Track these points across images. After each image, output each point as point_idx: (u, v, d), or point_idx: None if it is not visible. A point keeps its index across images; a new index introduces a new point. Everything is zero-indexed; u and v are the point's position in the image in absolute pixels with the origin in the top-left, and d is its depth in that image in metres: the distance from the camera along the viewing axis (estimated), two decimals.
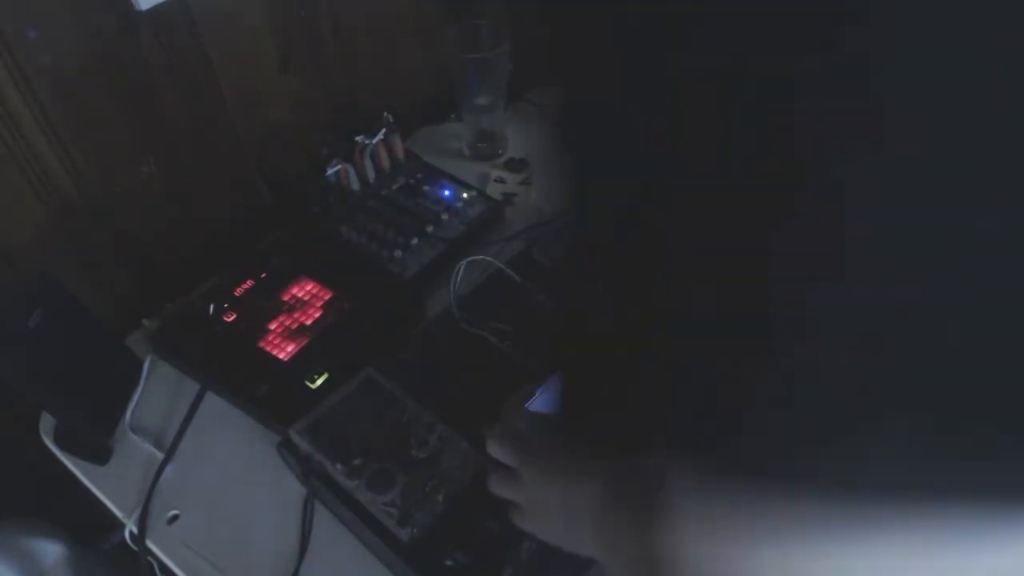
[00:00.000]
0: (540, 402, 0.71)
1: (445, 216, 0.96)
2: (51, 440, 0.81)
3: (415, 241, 0.93)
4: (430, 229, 0.95)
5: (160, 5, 0.80)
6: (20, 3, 0.71)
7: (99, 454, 0.79)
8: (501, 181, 1.08)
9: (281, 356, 0.82)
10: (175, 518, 0.74)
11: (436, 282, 0.89)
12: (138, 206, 0.90)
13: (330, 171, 0.96)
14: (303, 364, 0.81)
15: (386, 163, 1.01)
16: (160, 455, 0.78)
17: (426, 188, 1.01)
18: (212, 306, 0.87)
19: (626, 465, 0.46)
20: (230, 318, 0.86)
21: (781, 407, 0.27)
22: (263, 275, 0.90)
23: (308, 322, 0.85)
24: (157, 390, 0.85)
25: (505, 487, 0.57)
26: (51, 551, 0.83)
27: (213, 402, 0.82)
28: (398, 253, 0.92)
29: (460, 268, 0.85)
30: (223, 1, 0.87)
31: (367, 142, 0.97)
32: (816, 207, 0.24)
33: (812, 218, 0.24)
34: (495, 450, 0.57)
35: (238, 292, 0.89)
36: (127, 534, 0.74)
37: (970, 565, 0.28)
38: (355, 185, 0.99)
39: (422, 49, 1.14)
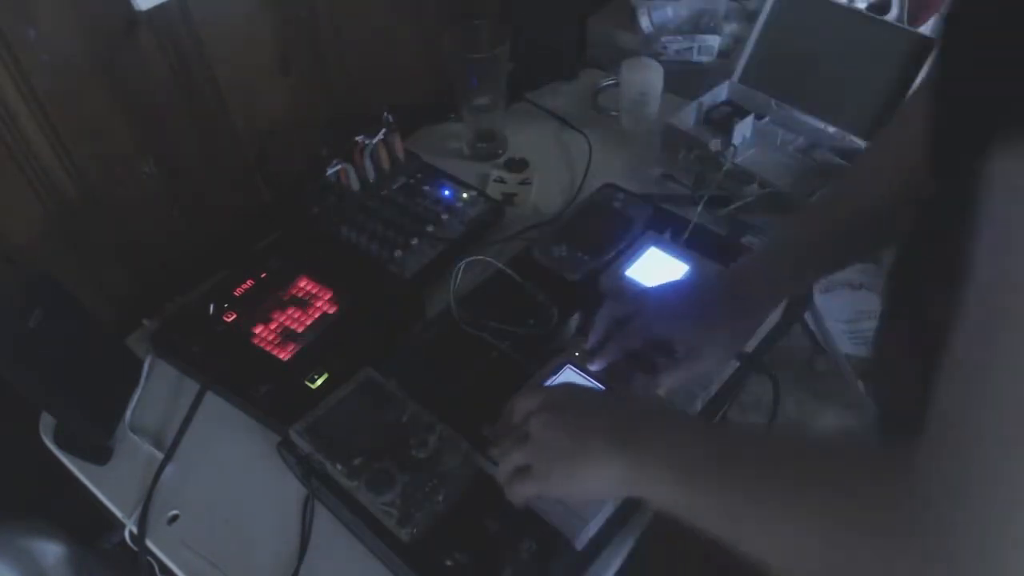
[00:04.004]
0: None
1: (445, 216, 0.96)
2: (51, 440, 0.81)
3: (415, 241, 0.93)
4: (430, 229, 0.95)
5: (160, 5, 0.80)
6: (20, 3, 0.71)
7: (99, 454, 0.79)
8: (501, 181, 1.08)
9: (281, 356, 0.82)
10: (175, 518, 0.74)
11: (436, 282, 0.89)
12: (138, 206, 0.90)
13: (330, 171, 0.96)
14: (303, 364, 0.81)
15: (386, 163, 1.01)
16: (160, 455, 0.78)
17: (426, 188, 1.01)
18: (212, 306, 0.87)
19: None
20: (230, 318, 0.86)
21: None
22: (263, 275, 0.90)
23: (308, 322, 0.85)
24: (157, 390, 0.85)
25: (513, 453, 0.60)
26: (51, 551, 0.83)
27: (213, 402, 0.82)
28: (398, 253, 0.92)
29: (460, 268, 0.85)
30: (223, 1, 0.87)
31: (367, 142, 0.97)
32: None
33: None
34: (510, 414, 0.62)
35: (238, 292, 0.89)
36: (127, 534, 0.74)
37: None
38: (355, 185, 0.98)
39: (422, 49, 1.14)
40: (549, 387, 0.70)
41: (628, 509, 0.69)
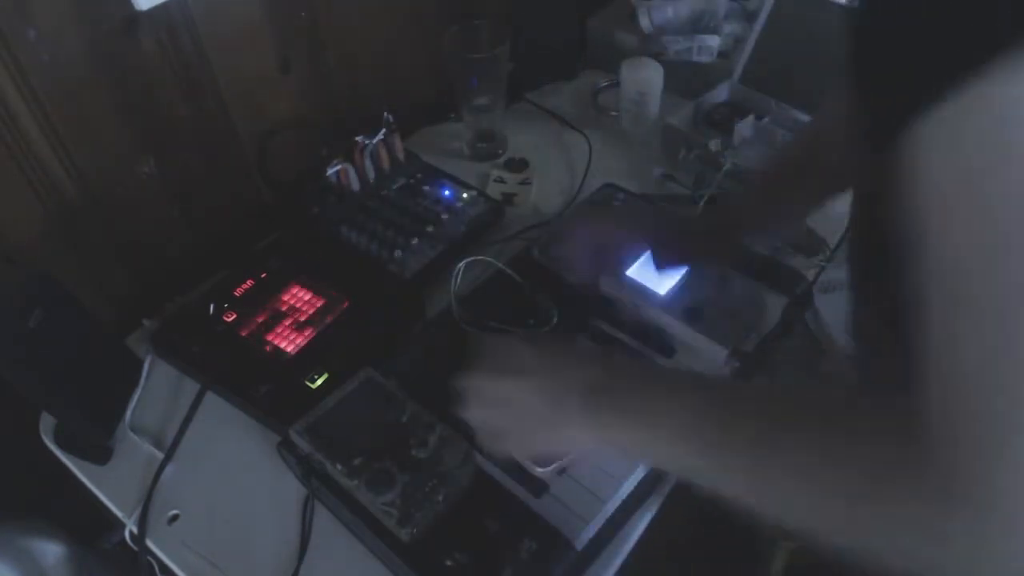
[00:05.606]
0: None
1: (445, 216, 0.96)
2: (51, 440, 0.81)
3: (415, 241, 0.93)
4: (430, 229, 0.95)
5: (160, 5, 0.80)
6: (20, 3, 0.71)
7: (99, 454, 0.79)
8: (501, 181, 1.08)
9: (281, 356, 0.82)
10: (175, 518, 0.74)
11: (436, 282, 0.89)
12: (138, 206, 0.90)
13: (330, 171, 0.96)
14: (303, 364, 0.81)
15: (386, 163, 1.01)
16: (160, 455, 0.78)
17: (426, 188, 1.01)
18: (212, 306, 0.87)
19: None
20: (230, 318, 0.86)
21: None
22: (263, 275, 0.90)
23: (308, 322, 0.85)
24: (157, 390, 0.85)
25: (491, 418, 0.59)
26: (51, 551, 0.83)
27: (213, 402, 0.82)
28: (398, 253, 0.92)
29: (460, 268, 0.85)
30: (223, 1, 0.87)
31: (367, 142, 0.97)
32: None
33: None
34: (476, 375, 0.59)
35: (238, 292, 0.89)
36: (127, 534, 0.74)
37: None
38: (355, 185, 0.99)
39: (422, 49, 1.14)
40: (519, 346, 0.66)
41: (628, 509, 0.69)
